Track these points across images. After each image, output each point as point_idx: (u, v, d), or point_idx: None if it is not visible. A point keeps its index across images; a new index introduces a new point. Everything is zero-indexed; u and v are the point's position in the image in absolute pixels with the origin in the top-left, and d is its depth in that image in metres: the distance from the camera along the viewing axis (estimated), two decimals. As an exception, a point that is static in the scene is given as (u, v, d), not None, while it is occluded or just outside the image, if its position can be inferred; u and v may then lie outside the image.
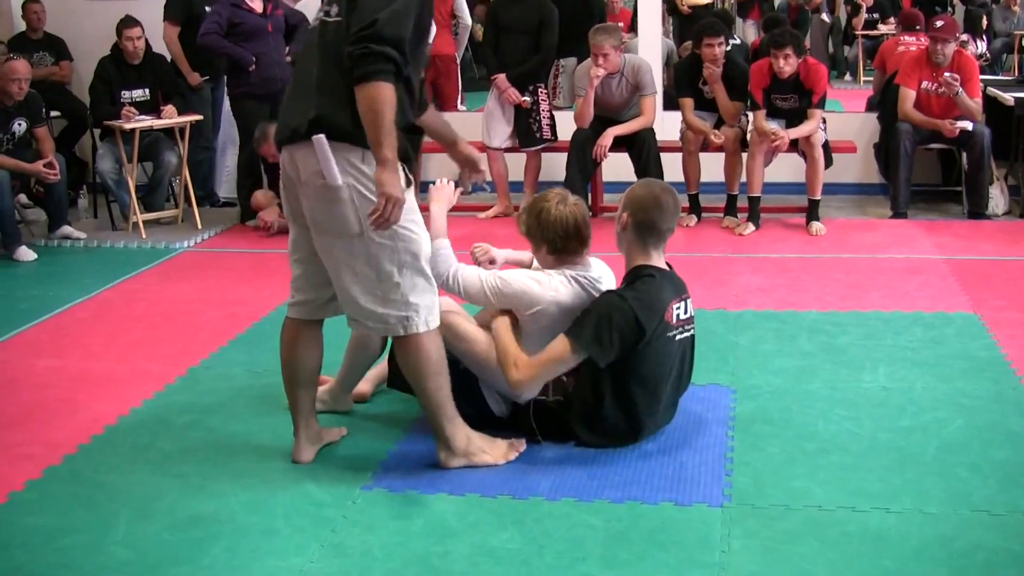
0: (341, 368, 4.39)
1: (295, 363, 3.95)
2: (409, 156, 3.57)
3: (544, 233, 4.01)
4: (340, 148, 3.48)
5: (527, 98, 7.83)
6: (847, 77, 13.41)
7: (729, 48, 7.69)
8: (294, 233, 3.84)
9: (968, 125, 7.52)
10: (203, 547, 3.38)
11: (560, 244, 4.03)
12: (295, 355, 3.94)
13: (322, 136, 3.45)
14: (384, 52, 3.35)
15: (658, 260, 4.03)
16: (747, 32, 11.77)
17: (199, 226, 7.84)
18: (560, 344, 3.86)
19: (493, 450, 3.92)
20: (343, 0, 3.55)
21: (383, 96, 3.35)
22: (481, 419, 4.05)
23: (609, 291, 3.98)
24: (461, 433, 3.88)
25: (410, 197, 3.57)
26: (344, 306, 3.76)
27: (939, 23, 7.60)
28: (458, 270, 3.99)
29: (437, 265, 3.90)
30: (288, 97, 3.70)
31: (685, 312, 4.02)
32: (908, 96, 7.67)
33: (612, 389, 3.93)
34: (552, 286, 3.97)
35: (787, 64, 7.20)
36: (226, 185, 8.90)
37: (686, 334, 4.05)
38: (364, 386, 4.49)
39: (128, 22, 7.89)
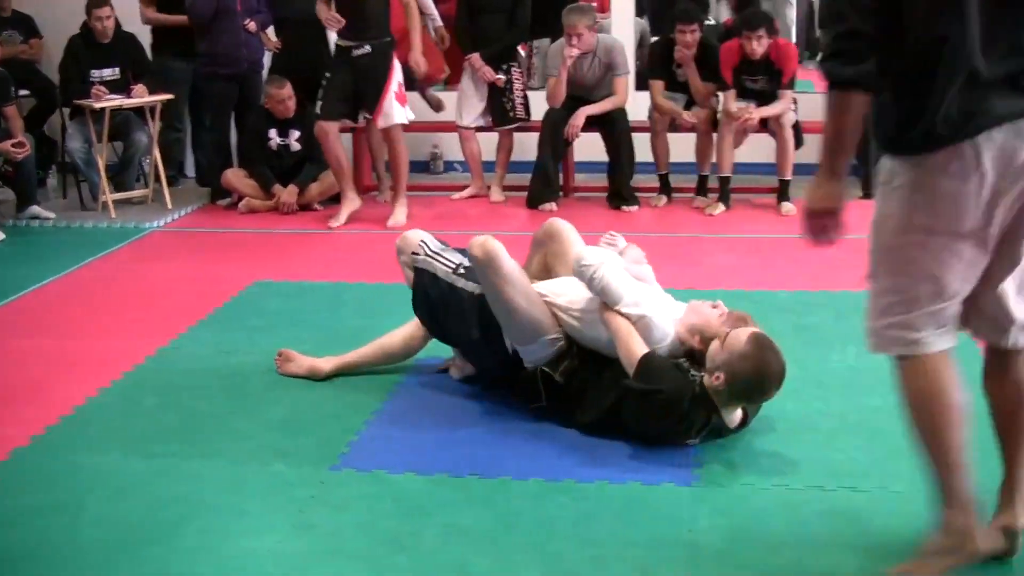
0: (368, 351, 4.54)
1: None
2: None
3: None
4: None
5: (501, 76, 7.83)
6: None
7: (703, 30, 7.68)
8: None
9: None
10: (176, 527, 3.38)
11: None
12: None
13: None
14: None
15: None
16: (722, 12, 11.74)
17: (169, 206, 7.80)
18: (635, 348, 3.81)
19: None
20: None
21: None
22: (491, 376, 4.14)
23: (694, 377, 3.81)
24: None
25: None
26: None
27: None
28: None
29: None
30: None
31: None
32: (879, 77, 7.68)
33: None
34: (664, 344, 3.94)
35: (759, 45, 7.20)
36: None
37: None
38: (326, 365, 4.49)
39: (97, 2, 7.77)
